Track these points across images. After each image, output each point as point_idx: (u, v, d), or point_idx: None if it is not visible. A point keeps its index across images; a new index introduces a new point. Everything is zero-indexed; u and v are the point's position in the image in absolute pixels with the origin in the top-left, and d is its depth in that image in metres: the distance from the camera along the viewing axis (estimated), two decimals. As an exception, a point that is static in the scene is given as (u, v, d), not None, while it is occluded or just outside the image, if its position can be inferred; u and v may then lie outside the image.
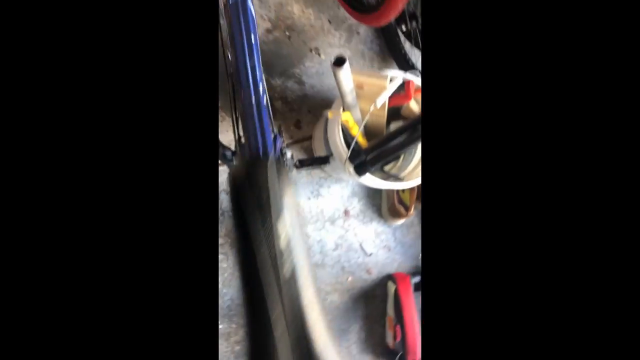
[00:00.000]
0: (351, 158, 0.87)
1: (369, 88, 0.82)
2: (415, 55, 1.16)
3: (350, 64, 0.74)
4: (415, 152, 0.96)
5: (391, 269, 1.27)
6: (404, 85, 0.85)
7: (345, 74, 0.74)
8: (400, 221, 1.23)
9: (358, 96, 0.84)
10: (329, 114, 0.82)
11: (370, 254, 1.25)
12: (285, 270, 0.36)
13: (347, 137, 0.86)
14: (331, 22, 1.19)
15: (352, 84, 0.78)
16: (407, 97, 0.88)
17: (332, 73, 0.76)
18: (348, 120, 0.84)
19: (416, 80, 0.86)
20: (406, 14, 1.07)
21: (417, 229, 1.29)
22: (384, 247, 1.26)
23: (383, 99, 0.82)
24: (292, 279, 0.37)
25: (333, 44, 1.19)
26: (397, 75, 0.81)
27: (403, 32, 1.17)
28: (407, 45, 1.17)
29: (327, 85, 1.17)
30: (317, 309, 0.38)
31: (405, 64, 1.16)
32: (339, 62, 0.73)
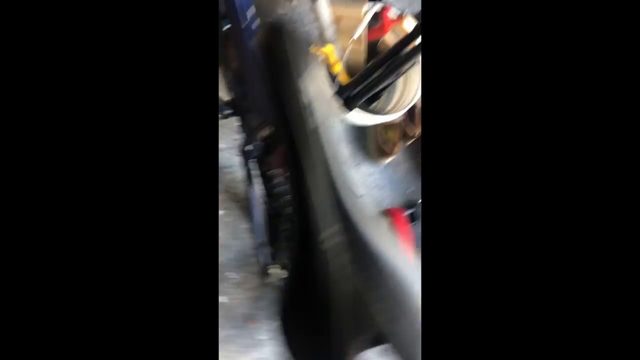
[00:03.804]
0: (338, 94, 0.92)
1: (346, 22, 0.86)
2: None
3: (327, -3, 0.77)
4: (397, 86, 1.02)
5: (384, 206, 1.34)
6: (379, 16, 0.89)
7: (323, 6, 0.78)
8: (388, 160, 1.30)
9: (337, 31, 0.88)
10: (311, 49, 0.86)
11: (361, 196, 1.31)
12: (310, 124, 0.41)
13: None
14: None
15: (329, 16, 0.81)
16: (383, 29, 0.92)
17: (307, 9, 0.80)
18: (329, 56, 0.88)
19: (392, 11, 0.90)
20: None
21: (405, 166, 1.37)
22: (375, 186, 1.33)
23: (359, 31, 0.86)
24: (316, 133, 0.42)
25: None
26: (372, 6, 0.85)
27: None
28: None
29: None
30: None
31: None
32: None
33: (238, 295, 1.14)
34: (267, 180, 0.68)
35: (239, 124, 0.78)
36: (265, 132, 0.67)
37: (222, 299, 1.12)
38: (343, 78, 0.95)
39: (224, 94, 0.81)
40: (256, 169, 0.74)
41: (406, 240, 1.26)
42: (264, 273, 0.87)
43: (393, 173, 1.36)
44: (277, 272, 0.80)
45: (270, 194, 0.67)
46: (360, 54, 0.98)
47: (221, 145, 1.17)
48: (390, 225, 1.28)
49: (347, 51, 0.89)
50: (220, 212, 1.15)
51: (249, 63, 0.60)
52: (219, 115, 0.78)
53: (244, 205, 1.18)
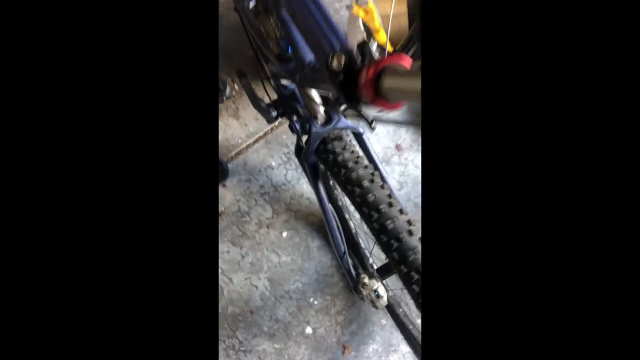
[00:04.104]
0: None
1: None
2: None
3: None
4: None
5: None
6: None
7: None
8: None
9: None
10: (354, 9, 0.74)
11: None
12: None
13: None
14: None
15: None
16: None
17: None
18: (371, 13, 0.75)
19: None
20: None
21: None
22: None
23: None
24: None
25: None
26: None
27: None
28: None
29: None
30: None
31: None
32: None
33: (325, 322, 1.01)
34: (335, 171, 0.56)
35: (289, 122, 0.68)
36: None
37: (308, 329, 1.00)
38: (381, 39, 0.83)
39: (265, 95, 0.71)
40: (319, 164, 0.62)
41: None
42: (355, 287, 0.73)
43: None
44: (372, 283, 0.66)
45: (345, 180, 0.54)
46: (402, 21, 0.85)
47: (272, 162, 1.09)
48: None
49: (391, 12, 0.76)
50: (285, 234, 1.04)
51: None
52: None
53: (311, 221, 1.06)
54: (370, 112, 1.11)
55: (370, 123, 0.33)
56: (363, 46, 0.29)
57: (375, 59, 0.28)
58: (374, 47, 0.29)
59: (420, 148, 1.15)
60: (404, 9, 0.83)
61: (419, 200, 1.12)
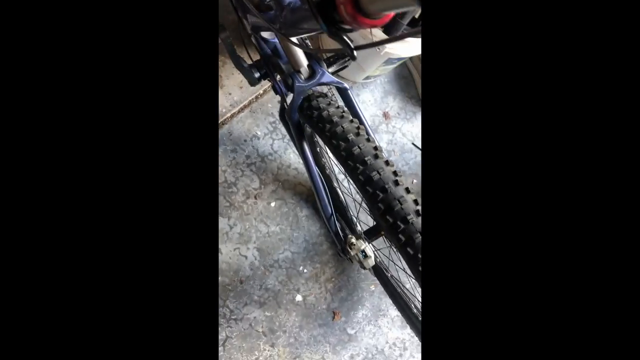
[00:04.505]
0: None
1: None
2: None
3: None
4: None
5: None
6: None
7: None
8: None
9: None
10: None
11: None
12: None
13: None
14: None
15: None
16: None
17: None
18: None
19: None
20: None
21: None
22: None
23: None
24: None
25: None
26: None
27: None
28: None
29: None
30: None
31: None
32: None
33: (315, 290, 1.01)
34: (319, 128, 0.55)
35: (272, 83, 0.66)
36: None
37: (298, 297, 1.00)
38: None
39: (246, 56, 0.68)
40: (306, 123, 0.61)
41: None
42: (344, 250, 0.73)
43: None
44: (359, 244, 0.66)
45: (332, 142, 0.53)
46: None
47: (258, 132, 1.07)
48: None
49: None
50: (273, 204, 1.03)
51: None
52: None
53: (299, 191, 1.06)
54: (353, 37, 1.09)
55: (351, 50, 0.31)
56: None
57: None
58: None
59: (407, 117, 1.14)
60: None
61: (406, 167, 1.12)
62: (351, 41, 0.30)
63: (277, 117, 1.07)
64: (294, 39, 0.46)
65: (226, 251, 0.99)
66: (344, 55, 0.85)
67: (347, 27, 0.29)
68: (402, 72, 1.16)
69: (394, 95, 1.13)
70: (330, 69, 0.60)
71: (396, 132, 1.12)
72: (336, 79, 0.59)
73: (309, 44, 0.55)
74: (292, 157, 1.06)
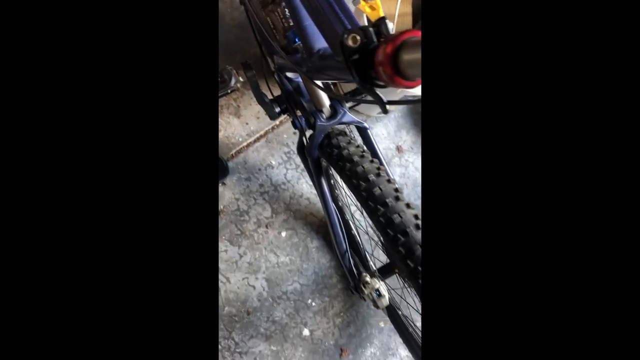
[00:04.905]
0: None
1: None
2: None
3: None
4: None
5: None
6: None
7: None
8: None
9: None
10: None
11: (438, 186, 1.14)
12: None
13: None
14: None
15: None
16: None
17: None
18: (377, 9, 0.74)
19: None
20: None
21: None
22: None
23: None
24: None
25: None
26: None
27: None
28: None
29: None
30: None
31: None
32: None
33: (323, 324, 0.99)
34: (339, 165, 0.55)
35: (292, 119, 0.67)
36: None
37: (305, 331, 0.98)
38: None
39: (265, 88, 0.70)
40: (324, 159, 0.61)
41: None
42: (357, 287, 0.72)
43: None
44: (374, 282, 0.65)
45: (351, 179, 0.53)
46: (407, 19, 0.85)
47: (272, 162, 1.08)
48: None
49: (397, 12, 0.77)
50: (283, 234, 1.03)
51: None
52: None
53: (310, 221, 1.05)
54: (383, 94, 1.10)
55: (383, 104, 0.32)
56: (379, 24, 0.28)
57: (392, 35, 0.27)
58: (390, 26, 0.28)
59: (420, 150, 1.14)
60: (408, 8, 0.83)
61: (419, 202, 1.12)
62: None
63: (292, 148, 1.08)
64: (319, 82, 0.47)
65: (234, 280, 0.98)
66: (360, 92, 0.87)
67: (380, 83, 0.30)
68: (416, 107, 1.18)
69: (407, 129, 1.14)
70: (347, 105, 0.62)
71: (409, 166, 1.13)
72: (357, 119, 0.60)
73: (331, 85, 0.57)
74: (304, 187, 1.06)
